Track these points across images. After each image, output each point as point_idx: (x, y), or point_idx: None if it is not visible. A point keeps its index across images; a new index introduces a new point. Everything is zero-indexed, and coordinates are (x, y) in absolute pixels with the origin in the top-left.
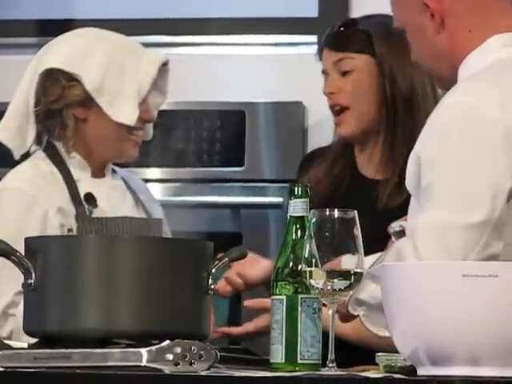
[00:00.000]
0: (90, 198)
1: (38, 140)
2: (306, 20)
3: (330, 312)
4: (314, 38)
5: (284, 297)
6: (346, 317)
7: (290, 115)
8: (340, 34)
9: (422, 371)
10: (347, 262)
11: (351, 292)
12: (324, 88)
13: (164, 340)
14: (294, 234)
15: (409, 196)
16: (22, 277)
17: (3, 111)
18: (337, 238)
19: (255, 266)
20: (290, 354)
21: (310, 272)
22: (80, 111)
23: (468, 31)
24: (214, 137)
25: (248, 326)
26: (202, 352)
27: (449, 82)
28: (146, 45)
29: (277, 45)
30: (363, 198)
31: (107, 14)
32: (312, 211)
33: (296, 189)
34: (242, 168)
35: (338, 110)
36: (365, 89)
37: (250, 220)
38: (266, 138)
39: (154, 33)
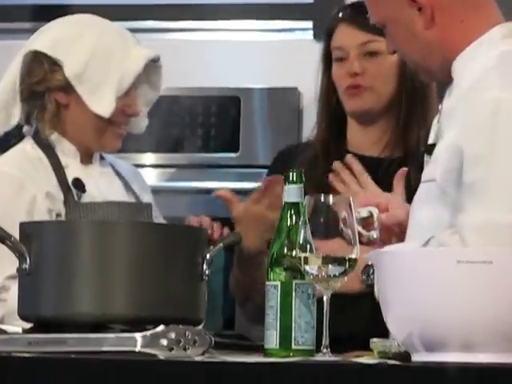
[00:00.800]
0: (78, 184)
1: (27, 120)
2: (301, 6)
3: (325, 298)
4: (309, 24)
5: (278, 282)
6: None
7: (285, 101)
8: (366, 15)
9: (417, 357)
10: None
11: (345, 278)
12: (344, 67)
13: (158, 325)
14: (288, 220)
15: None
16: (13, 261)
17: None
18: (332, 224)
19: None
20: (284, 339)
21: (305, 258)
22: (61, 96)
23: (460, 22)
24: (208, 122)
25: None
26: (196, 337)
27: (438, 75)
28: (141, 30)
29: (272, 30)
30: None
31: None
32: (307, 197)
33: (291, 175)
34: (237, 154)
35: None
36: (388, 72)
37: None
38: (260, 123)
39: (150, 18)
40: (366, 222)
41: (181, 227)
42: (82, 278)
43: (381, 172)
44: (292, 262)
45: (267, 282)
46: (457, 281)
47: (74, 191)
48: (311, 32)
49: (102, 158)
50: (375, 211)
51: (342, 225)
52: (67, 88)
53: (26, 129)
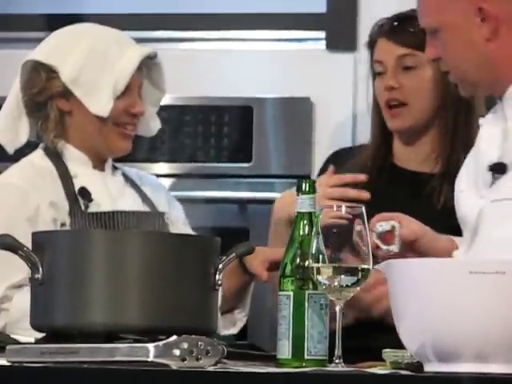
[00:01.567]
0: (85, 193)
1: (38, 136)
2: (314, 16)
3: (337, 308)
4: (322, 34)
5: (291, 292)
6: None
7: (297, 111)
8: (404, 29)
9: (429, 368)
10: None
11: (358, 288)
12: (383, 81)
13: (171, 335)
14: (301, 230)
15: None
16: (14, 271)
17: None
18: (344, 234)
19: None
20: (296, 349)
21: (317, 268)
22: (63, 103)
23: None
24: (221, 132)
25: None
26: (208, 347)
27: (482, 89)
28: (154, 40)
29: (285, 40)
30: (405, 189)
31: (114, 9)
32: (319, 207)
33: (303, 185)
34: (250, 163)
35: (395, 105)
36: (425, 86)
37: (258, 215)
38: (273, 133)
39: (162, 28)
40: (386, 236)
41: (193, 237)
42: (94, 288)
43: (425, 186)
44: (305, 272)
45: (280, 292)
46: (469, 291)
47: (81, 200)
48: (324, 42)
49: (115, 167)
50: (397, 225)
51: (355, 235)
52: (67, 94)
53: (41, 145)
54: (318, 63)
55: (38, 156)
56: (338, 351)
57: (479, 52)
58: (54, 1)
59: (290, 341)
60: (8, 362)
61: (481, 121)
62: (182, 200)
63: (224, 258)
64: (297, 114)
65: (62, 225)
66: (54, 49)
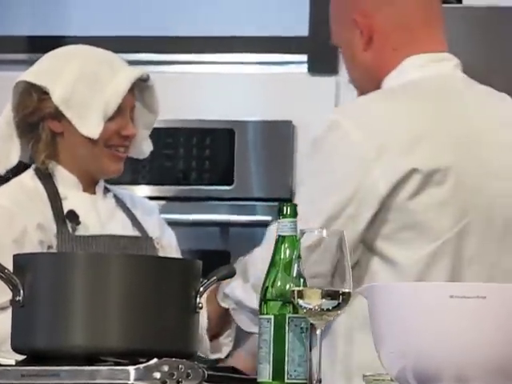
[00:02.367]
0: (73, 215)
1: (31, 157)
2: (296, 39)
3: (318, 332)
4: (304, 58)
5: (272, 316)
6: None
7: (279, 134)
8: None
9: None
10: None
11: (339, 312)
12: None
13: (152, 358)
14: (282, 254)
15: None
16: (1, 292)
17: None
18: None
19: None
20: (277, 373)
21: (299, 292)
22: (55, 124)
23: (393, 50)
24: (203, 155)
25: None
26: (189, 370)
27: None
28: (136, 62)
29: (267, 63)
30: None
31: (99, 31)
32: (300, 231)
33: (285, 208)
34: (231, 186)
35: None
36: None
37: (239, 238)
38: (255, 156)
39: (144, 51)
40: None
41: (174, 260)
42: (75, 311)
43: None
44: (285, 295)
45: (260, 316)
46: (450, 315)
47: (69, 223)
48: (306, 65)
49: (106, 189)
50: None
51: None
52: (59, 115)
53: (33, 166)
54: (299, 86)
55: (28, 176)
56: (318, 375)
57: (359, 62)
58: (39, 23)
59: (271, 364)
60: None
61: None
62: None
63: (205, 281)
64: (278, 137)
65: (49, 247)
66: (46, 70)
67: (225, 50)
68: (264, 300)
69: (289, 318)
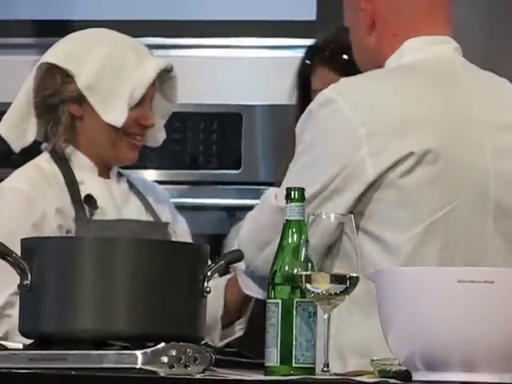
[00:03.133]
0: (91, 200)
1: (45, 137)
2: (304, 23)
3: (326, 316)
4: (311, 42)
5: (279, 300)
6: None
7: (286, 118)
8: (346, 60)
9: (417, 376)
10: None
11: (347, 296)
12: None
13: (159, 342)
14: (290, 238)
15: None
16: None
17: (1, 111)
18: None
19: None
20: (284, 357)
21: (306, 276)
22: (76, 108)
23: (393, 35)
24: (210, 139)
25: None
26: (196, 355)
27: None
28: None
29: (275, 48)
30: None
31: (106, 15)
32: (308, 215)
33: (292, 192)
34: (239, 170)
35: None
36: None
37: None
38: (262, 140)
39: (152, 35)
40: None
41: (182, 244)
42: (82, 295)
43: None
44: (293, 280)
45: (268, 300)
46: (458, 300)
47: (86, 208)
48: None
49: (120, 174)
50: None
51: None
52: (80, 99)
53: (44, 146)
54: None
55: (44, 160)
56: (325, 359)
57: (364, 46)
58: (43, 7)
59: (278, 348)
60: None
61: None
62: None
63: (212, 265)
64: (286, 121)
65: (68, 231)
66: (72, 53)
67: (232, 34)
68: (272, 284)
69: (296, 302)
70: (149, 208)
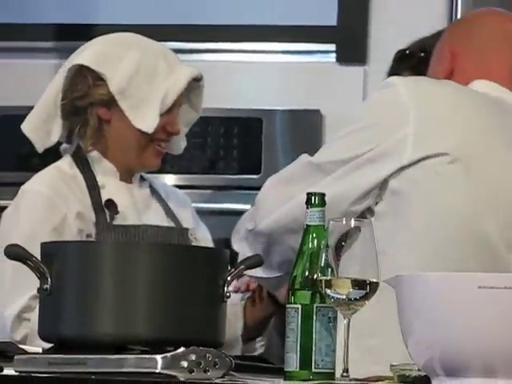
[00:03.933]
0: (111, 205)
1: (69, 139)
2: (324, 28)
3: (345, 321)
4: (332, 47)
5: (299, 306)
6: None
7: (307, 123)
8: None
9: (437, 382)
10: None
11: (367, 302)
12: None
13: (179, 347)
14: (310, 243)
15: None
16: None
17: (22, 115)
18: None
19: None
20: (304, 362)
21: (326, 281)
22: (104, 112)
23: (466, 82)
24: (231, 144)
25: None
26: (216, 359)
27: None
28: None
29: (295, 53)
30: None
31: (124, 20)
32: (329, 220)
33: (313, 198)
34: (259, 175)
35: None
36: None
37: None
38: (283, 145)
39: (173, 39)
40: None
41: (202, 249)
42: (102, 299)
43: None
44: (313, 285)
45: (288, 305)
46: (478, 306)
47: (107, 212)
48: (334, 55)
49: (142, 179)
50: None
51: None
52: (110, 103)
53: (63, 147)
54: (328, 76)
55: (65, 163)
56: (345, 364)
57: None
58: (65, 11)
59: (298, 353)
60: (16, 371)
61: None
62: None
63: (233, 270)
64: (306, 126)
65: (88, 236)
66: (104, 56)
67: (253, 39)
68: (292, 289)
69: (316, 307)
70: (170, 213)
